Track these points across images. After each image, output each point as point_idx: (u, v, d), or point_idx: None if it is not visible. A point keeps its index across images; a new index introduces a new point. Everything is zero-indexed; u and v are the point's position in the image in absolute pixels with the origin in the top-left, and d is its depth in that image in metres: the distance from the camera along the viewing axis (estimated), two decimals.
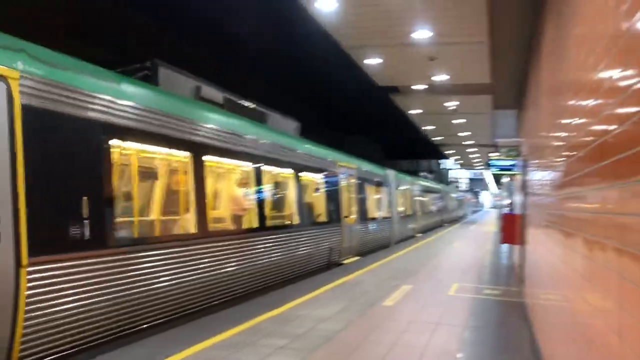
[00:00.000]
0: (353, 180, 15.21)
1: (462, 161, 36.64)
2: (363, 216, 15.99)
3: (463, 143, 23.75)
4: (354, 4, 7.44)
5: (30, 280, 4.62)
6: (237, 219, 9.13)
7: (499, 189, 61.94)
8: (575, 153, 3.51)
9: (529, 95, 8.77)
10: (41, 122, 4.97)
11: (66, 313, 5.09)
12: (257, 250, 9.09)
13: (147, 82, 7.33)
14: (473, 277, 11.39)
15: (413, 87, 12.69)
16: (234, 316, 7.12)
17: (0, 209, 4.42)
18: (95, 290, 5.45)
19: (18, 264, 4.49)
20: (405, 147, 36.14)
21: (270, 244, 9.63)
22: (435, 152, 32.21)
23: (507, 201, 24.14)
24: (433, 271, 12.12)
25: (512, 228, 11.96)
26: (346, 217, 14.17)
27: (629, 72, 2.10)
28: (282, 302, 8.14)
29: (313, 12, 7.82)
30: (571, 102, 3.73)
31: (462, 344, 6.11)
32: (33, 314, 4.70)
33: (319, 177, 12.80)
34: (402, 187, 22.46)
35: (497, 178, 40.28)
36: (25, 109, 4.75)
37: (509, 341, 6.34)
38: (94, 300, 5.42)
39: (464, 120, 17.14)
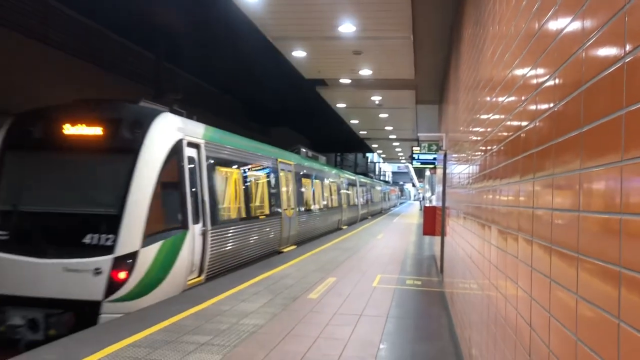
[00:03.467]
0: (345, 184, 27.69)
1: (384, 155, 37.49)
2: (348, 205, 28.08)
3: (389, 137, 24.22)
4: None
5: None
6: (323, 201, 21.42)
7: (420, 182, 64.10)
8: (490, 148, 3.62)
9: (450, 90, 9.04)
10: (297, 175, 17.12)
11: (302, 228, 17.25)
12: (331, 214, 22.74)
13: (297, 154, 18.00)
14: (396, 268, 11.67)
15: (340, 80, 12.75)
16: (154, 314, 6.89)
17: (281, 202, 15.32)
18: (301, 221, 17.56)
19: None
20: (332, 140, 36.46)
21: (329, 213, 22.31)
22: (361, 146, 32.72)
23: (429, 194, 25.30)
24: (358, 263, 12.30)
25: (433, 220, 12.35)
26: (344, 205, 26.73)
27: (540, 70, 2.17)
28: (206, 297, 7.97)
29: (237, 1, 7.64)
30: (487, 98, 3.85)
31: (385, 335, 6.23)
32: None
33: (337, 183, 25.27)
34: (360, 185, 34.22)
35: (420, 171, 42.61)
36: (296, 173, 16.96)
37: (429, 330, 6.52)
38: (304, 225, 17.61)
39: (388, 115, 17.45)
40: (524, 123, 2.47)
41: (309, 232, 17.94)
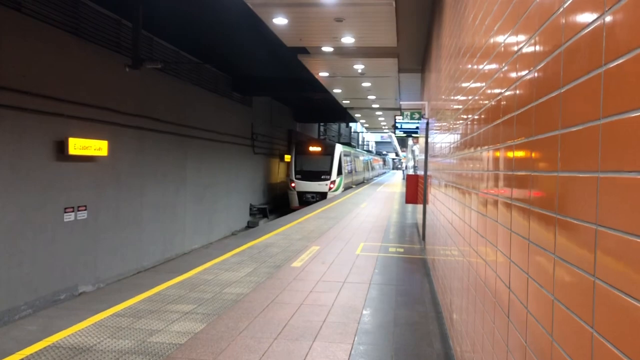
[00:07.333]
0: (364, 158, 49.34)
1: (367, 125, 37.57)
2: (364, 170, 48.61)
3: (371, 106, 24.12)
4: None
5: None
6: (364, 170, 49.72)
7: (403, 151, 64.71)
8: (471, 115, 3.62)
9: (432, 58, 8.99)
10: (353, 156, 41.01)
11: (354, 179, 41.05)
12: (362, 175, 46.89)
13: (352, 147, 44.18)
14: (379, 236, 11.77)
15: (322, 48, 12.58)
16: (138, 284, 6.89)
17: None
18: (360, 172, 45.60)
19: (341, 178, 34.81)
20: (315, 110, 36.28)
21: (361, 174, 46.12)
22: (344, 116, 32.63)
23: (411, 163, 25.52)
24: (341, 231, 12.38)
25: (415, 188, 12.42)
26: (365, 170, 49.25)
27: (519, 36, 2.16)
28: (190, 267, 7.98)
29: None
30: (469, 65, 3.83)
31: (368, 301, 6.31)
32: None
33: (362, 159, 47.27)
34: (368, 159, 54.00)
35: (403, 141, 45.19)
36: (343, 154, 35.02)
37: (411, 296, 6.62)
38: (356, 175, 43.01)
39: (371, 84, 17.35)
40: (505, 87, 2.46)
41: (356, 182, 39.42)
